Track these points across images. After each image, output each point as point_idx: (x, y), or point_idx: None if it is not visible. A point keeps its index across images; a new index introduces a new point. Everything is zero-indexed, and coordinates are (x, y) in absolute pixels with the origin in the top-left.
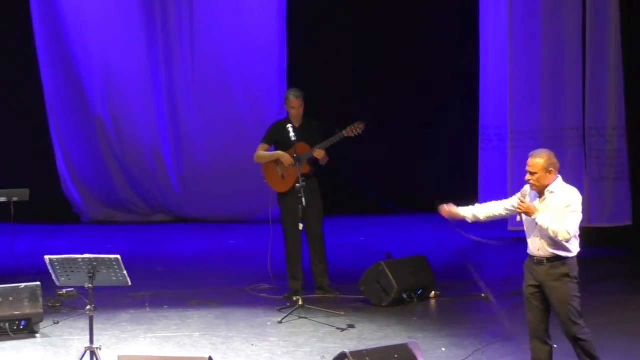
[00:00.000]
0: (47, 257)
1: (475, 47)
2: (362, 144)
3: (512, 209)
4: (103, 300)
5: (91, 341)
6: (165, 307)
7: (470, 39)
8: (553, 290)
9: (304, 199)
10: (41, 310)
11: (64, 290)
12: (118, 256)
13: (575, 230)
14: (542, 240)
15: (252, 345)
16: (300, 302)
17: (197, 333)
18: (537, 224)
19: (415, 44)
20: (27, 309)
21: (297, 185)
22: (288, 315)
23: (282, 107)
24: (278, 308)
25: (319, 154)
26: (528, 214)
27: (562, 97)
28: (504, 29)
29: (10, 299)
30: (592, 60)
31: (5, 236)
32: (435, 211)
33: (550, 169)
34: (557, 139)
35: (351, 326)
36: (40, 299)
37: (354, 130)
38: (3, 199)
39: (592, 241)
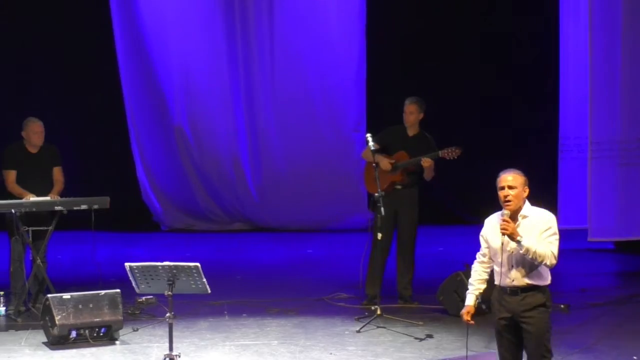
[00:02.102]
0: (127, 264)
1: (555, 56)
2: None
3: (487, 256)
4: (182, 308)
5: (170, 348)
6: (244, 315)
7: (550, 48)
8: (528, 321)
9: (382, 209)
10: (121, 317)
11: (144, 298)
12: (198, 264)
13: (557, 254)
14: (517, 270)
15: (331, 354)
16: (379, 312)
17: (276, 341)
18: (511, 252)
19: (494, 54)
20: (107, 316)
21: (376, 194)
22: (366, 324)
23: (361, 117)
24: (356, 317)
25: (426, 162)
26: (513, 236)
27: None
28: (584, 39)
29: (91, 305)
30: None
31: (85, 244)
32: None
33: (526, 186)
34: (636, 149)
35: (429, 336)
36: (120, 306)
37: (450, 154)
38: (84, 207)
39: None
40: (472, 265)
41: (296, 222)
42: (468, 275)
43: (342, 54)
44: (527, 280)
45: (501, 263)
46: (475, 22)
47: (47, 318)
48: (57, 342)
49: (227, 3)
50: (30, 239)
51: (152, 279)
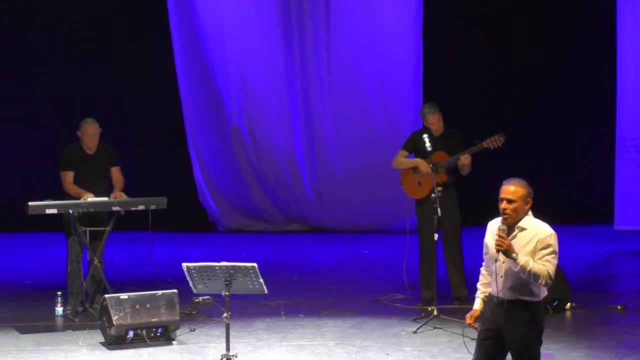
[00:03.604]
0: (184, 264)
1: (612, 56)
2: (497, 155)
3: (489, 263)
4: (239, 308)
5: (227, 349)
6: (301, 315)
7: (607, 46)
8: (513, 336)
9: (439, 209)
10: (178, 318)
11: (200, 298)
12: (254, 264)
13: (554, 274)
14: (506, 281)
15: (387, 354)
16: (435, 313)
17: (332, 342)
18: (503, 261)
19: (550, 53)
20: (164, 316)
21: (433, 195)
22: (423, 325)
23: (417, 117)
24: (413, 318)
25: (467, 158)
26: (508, 252)
27: None
28: None
29: (148, 306)
30: None
31: (143, 244)
32: (569, 223)
33: (529, 199)
34: None
35: None
36: (177, 306)
37: (494, 142)
38: (141, 207)
39: None
40: (481, 269)
41: (353, 222)
42: None
43: (399, 55)
44: (514, 294)
45: (493, 271)
46: (530, 21)
47: (104, 318)
48: (115, 342)
49: (283, 4)
50: (88, 239)
51: (209, 279)
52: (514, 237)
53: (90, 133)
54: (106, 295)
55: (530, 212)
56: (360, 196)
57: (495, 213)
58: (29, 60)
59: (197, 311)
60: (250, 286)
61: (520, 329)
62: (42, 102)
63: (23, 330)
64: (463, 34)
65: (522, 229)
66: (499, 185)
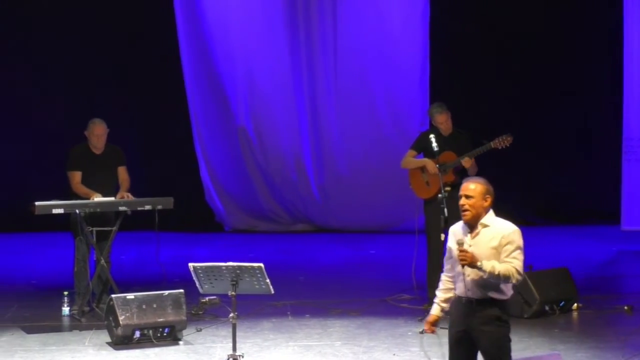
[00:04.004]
0: (191, 264)
1: (619, 54)
2: (504, 155)
3: (452, 265)
4: (245, 308)
5: (234, 349)
6: (307, 316)
7: (614, 47)
8: (483, 335)
9: (445, 209)
10: (184, 318)
11: (207, 298)
12: (261, 264)
13: (522, 270)
14: (473, 281)
15: (394, 355)
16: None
17: (339, 342)
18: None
19: (557, 54)
20: (170, 316)
21: (439, 195)
22: None
23: (424, 118)
24: (419, 318)
25: (467, 162)
26: (473, 264)
27: None
28: None
29: (154, 306)
30: None
31: (149, 244)
32: (575, 223)
33: (487, 195)
34: None
35: None
36: (184, 306)
37: (502, 142)
38: (148, 207)
39: None
40: (442, 275)
41: (358, 223)
42: (531, 277)
43: (406, 55)
44: (483, 291)
45: (460, 272)
46: (536, 20)
47: (110, 318)
48: (121, 342)
49: (290, 4)
50: (95, 239)
51: (216, 279)
52: (478, 233)
53: (97, 133)
54: (113, 295)
55: (491, 211)
56: (366, 196)
57: (499, 213)
58: (34, 60)
59: (204, 311)
60: (257, 286)
61: (490, 328)
62: (49, 102)
63: (29, 330)
64: (469, 34)
65: (485, 226)
66: (506, 186)
